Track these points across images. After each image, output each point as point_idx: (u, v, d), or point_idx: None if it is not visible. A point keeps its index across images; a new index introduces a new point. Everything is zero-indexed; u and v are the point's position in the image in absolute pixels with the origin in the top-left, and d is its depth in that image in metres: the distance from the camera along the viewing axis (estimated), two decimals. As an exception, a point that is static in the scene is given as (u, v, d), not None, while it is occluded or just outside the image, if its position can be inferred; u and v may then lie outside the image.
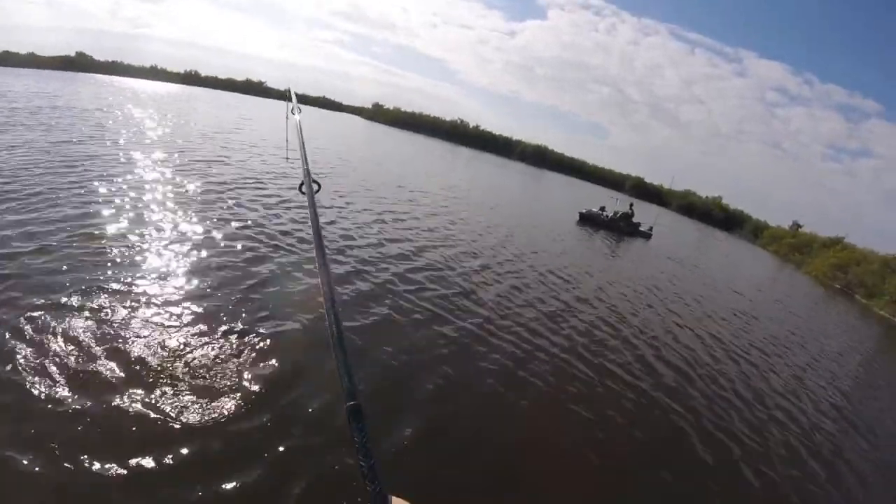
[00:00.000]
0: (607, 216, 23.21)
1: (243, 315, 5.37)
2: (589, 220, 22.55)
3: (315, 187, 1.53)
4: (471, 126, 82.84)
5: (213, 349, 4.60)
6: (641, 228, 24.36)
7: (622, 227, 23.07)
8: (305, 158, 1.81)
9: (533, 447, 4.66)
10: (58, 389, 3.64)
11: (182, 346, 4.51)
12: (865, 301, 28.49)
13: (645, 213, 27.66)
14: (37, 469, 3.03)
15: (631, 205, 25.11)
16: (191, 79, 71.32)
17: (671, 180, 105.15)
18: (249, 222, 8.91)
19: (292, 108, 2.52)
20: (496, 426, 4.86)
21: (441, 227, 13.08)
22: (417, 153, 39.41)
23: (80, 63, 58.39)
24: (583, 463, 4.67)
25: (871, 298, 28.32)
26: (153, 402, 3.76)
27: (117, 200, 8.32)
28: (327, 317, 0.99)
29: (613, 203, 25.35)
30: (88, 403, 3.59)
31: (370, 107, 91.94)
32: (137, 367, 4.09)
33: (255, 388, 4.21)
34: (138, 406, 3.68)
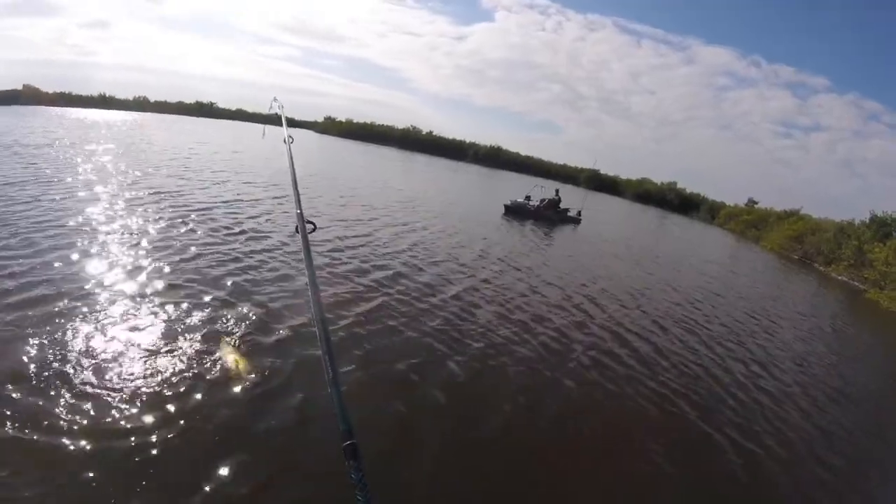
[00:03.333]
0: (533, 205, 21.66)
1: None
2: (515, 211, 20.81)
3: (310, 227, 1.57)
4: (423, 132, 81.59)
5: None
6: (570, 214, 23.08)
7: (549, 216, 21.58)
8: (299, 200, 1.79)
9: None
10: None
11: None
12: (824, 269, 27.93)
13: (572, 198, 26.69)
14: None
15: (557, 191, 23.63)
16: (141, 105, 68.71)
17: (594, 162, 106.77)
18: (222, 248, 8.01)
19: (284, 138, 2.53)
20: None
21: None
22: (371, 163, 37.44)
23: (27, 96, 54.97)
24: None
25: (829, 265, 27.72)
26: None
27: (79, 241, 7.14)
28: (322, 356, 1.00)
29: (539, 191, 23.72)
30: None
31: (322, 120, 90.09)
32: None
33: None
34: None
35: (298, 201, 1.75)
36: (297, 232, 1.52)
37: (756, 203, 51.48)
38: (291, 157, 2.18)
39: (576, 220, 23.05)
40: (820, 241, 30.09)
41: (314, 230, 1.55)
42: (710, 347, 8.24)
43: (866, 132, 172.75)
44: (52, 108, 48.23)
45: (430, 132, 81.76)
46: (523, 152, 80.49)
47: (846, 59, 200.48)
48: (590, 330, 7.77)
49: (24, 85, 58.43)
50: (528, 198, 22.20)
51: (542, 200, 22.30)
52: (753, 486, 4.58)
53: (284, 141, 2.49)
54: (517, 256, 12.26)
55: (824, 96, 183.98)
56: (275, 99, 3.32)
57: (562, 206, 22.72)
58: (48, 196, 9.45)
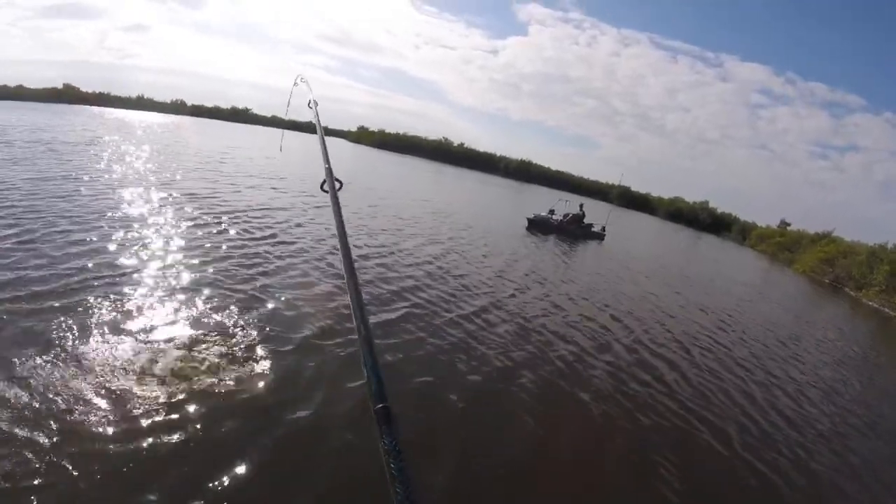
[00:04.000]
0: (557, 220, 21.63)
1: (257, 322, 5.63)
2: (538, 225, 20.78)
3: (337, 185, 1.53)
4: (455, 144, 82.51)
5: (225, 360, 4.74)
6: (594, 230, 22.99)
7: (573, 230, 21.58)
8: (327, 155, 1.80)
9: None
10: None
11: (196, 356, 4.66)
12: (855, 294, 27.24)
13: (596, 213, 26.41)
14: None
15: (581, 205, 23.63)
16: (177, 108, 71.73)
17: (620, 177, 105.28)
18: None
19: (309, 101, 2.57)
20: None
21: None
22: (403, 174, 38.35)
23: (67, 94, 58.79)
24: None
25: (860, 290, 27.09)
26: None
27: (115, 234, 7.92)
28: (353, 315, 0.98)
29: (563, 205, 23.74)
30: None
31: (355, 129, 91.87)
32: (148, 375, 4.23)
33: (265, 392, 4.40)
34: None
35: (326, 157, 1.76)
36: (324, 189, 1.53)
37: (789, 225, 50.61)
38: (318, 117, 2.26)
39: (600, 236, 22.93)
40: (851, 265, 29.49)
41: (341, 187, 1.53)
42: (732, 371, 8.26)
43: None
44: (91, 107, 50.94)
45: (462, 144, 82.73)
46: (558, 167, 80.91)
47: (881, 78, 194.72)
48: (611, 349, 7.86)
49: (64, 84, 62.16)
50: (551, 212, 22.25)
51: (566, 215, 22.28)
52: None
53: (309, 105, 2.56)
54: (539, 271, 12.68)
55: (860, 116, 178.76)
56: (301, 77, 3.23)
57: (586, 221, 22.72)
58: (83, 192, 10.47)
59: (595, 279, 13.69)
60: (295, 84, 3.25)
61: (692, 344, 9.34)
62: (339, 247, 1.23)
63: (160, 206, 10.49)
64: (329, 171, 1.58)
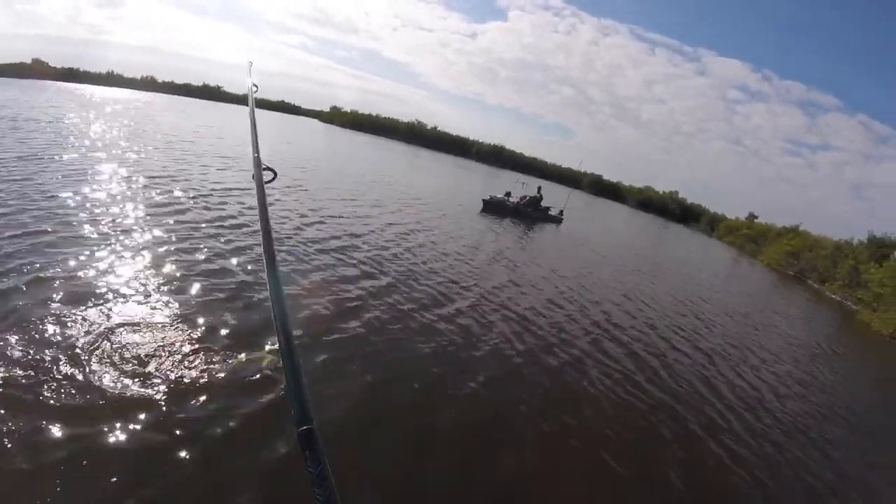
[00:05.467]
0: (513, 202, 20.91)
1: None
2: (493, 207, 19.99)
3: (269, 176, 1.41)
4: (428, 127, 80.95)
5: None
6: (551, 213, 22.33)
7: (530, 213, 20.89)
8: (256, 144, 1.65)
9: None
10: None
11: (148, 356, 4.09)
12: (817, 286, 27.45)
13: (556, 196, 25.78)
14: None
15: (539, 188, 22.89)
16: (147, 85, 68.35)
17: (579, 162, 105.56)
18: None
19: (249, 87, 2.33)
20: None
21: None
22: (372, 157, 36.51)
23: (35, 70, 55.40)
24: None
25: (822, 283, 27.26)
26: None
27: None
28: (273, 321, 0.90)
29: (520, 188, 23.02)
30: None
31: (327, 109, 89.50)
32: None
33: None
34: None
35: (256, 145, 1.59)
36: (253, 180, 1.35)
37: (756, 218, 50.91)
38: (253, 103, 2.01)
39: (557, 220, 22.42)
40: (816, 259, 29.54)
41: (274, 179, 1.37)
42: (692, 357, 8.08)
43: (876, 155, 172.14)
44: (59, 83, 48.00)
45: (435, 127, 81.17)
46: (535, 154, 79.97)
47: (857, 80, 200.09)
48: (564, 336, 7.36)
49: (33, 59, 59.25)
50: (508, 194, 21.52)
51: (523, 197, 21.68)
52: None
53: (249, 90, 2.32)
54: (487, 252, 11.80)
55: (834, 115, 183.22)
56: (251, 62, 2.98)
57: (543, 204, 22.08)
58: (42, 174, 9.18)
59: (547, 262, 12.78)
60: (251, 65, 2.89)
61: (646, 327, 9.00)
62: (262, 249, 1.07)
63: (119, 189, 9.25)
64: (257, 159, 1.45)
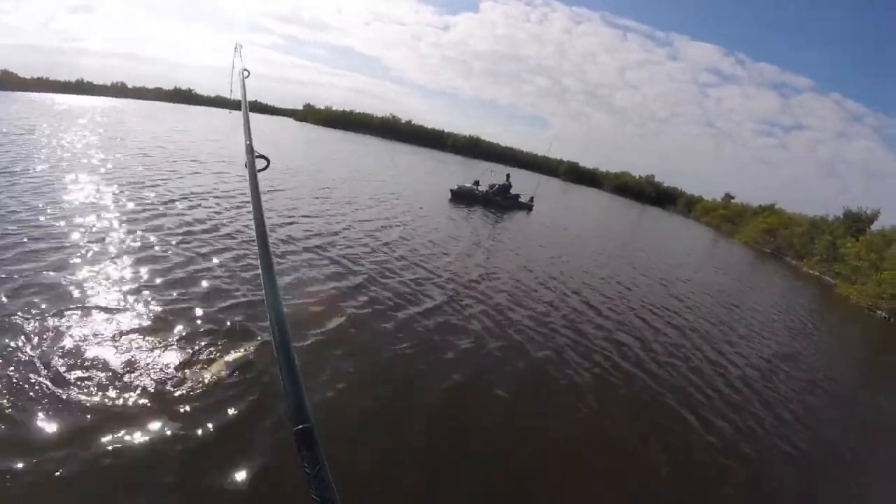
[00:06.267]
0: (482, 191, 20.51)
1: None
2: (462, 196, 19.57)
3: (263, 163, 1.38)
4: (403, 121, 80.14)
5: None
6: (521, 200, 21.99)
7: (499, 201, 20.51)
8: (249, 130, 1.61)
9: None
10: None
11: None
12: (795, 262, 27.50)
13: (526, 184, 25.57)
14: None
15: (507, 176, 22.52)
16: (119, 91, 66.90)
17: (549, 147, 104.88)
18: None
19: (242, 71, 2.31)
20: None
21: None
22: (344, 151, 35.82)
23: (5, 81, 52.99)
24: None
25: (800, 259, 27.31)
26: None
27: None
28: (268, 315, 0.87)
29: (489, 175, 22.61)
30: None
31: (301, 108, 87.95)
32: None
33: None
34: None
35: (248, 132, 1.56)
36: (246, 167, 1.32)
37: (733, 198, 51.24)
38: (244, 89, 2.10)
39: (528, 207, 22.04)
40: (792, 236, 29.62)
41: (267, 167, 1.34)
42: (677, 335, 8.04)
43: (849, 133, 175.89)
44: (29, 93, 46.14)
45: (410, 121, 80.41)
46: (511, 144, 79.73)
47: (830, 60, 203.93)
48: (543, 326, 7.00)
49: (1, 70, 57.08)
50: (476, 183, 21.10)
51: (492, 185, 21.30)
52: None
53: (241, 74, 2.29)
54: (462, 242, 11.35)
55: (808, 95, 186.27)
56: (238, 44, 2.84)
57: (513, 191, 21.71)
58: (13, 187, 8.62)
59: (524, 251, 12.33)
60: (235, 50, 2.78)
61: (626, 308, 8.84)
62: (255, 239, 1.06)
63: (97, 198, 8.82)
64: (250, 146, 1.40)
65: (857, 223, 26.18)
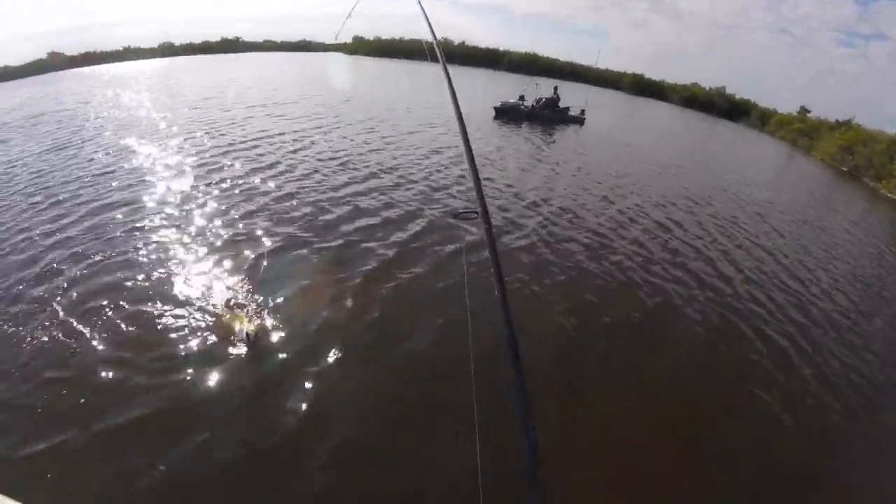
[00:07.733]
0: (528, 106, 20.22)
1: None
2: (507, 113, 19.51)
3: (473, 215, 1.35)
4: (455, 43, 77.92)
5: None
6: (571, 113, 21.44)
7: (547, 116, 20.24)
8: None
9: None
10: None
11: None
12: (874, 184, 27.10)
13: (575, 96, 24.66)
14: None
15: (555, 88, 21.97)
16: (167, 51, 66.30)
17: (597, 56, 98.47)
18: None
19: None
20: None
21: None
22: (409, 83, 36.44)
23: (54, 62, 53.88)
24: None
25: (879, 181, 26.97)
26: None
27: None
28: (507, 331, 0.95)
29: (535, 89, 21.96)
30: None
31: (350, 41, 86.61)
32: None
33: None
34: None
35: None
36: (472, 216, 1.33)
37: (809, 112, 48.84)
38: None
39: (579, 120, 21.50)
40: (872, 154, 29.08)
41: (476, 218, 1.34)
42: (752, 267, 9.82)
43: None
44: (81, 69, 47.88)
45: (463, 42, 78.11)
46: (569, 59, 76.31)
47: None
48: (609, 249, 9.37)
49: (48, 53, 56.54)
50: (521, 98, 20.81)
51: (539, 100, 20.83)
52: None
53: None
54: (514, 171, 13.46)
55: (886, 2, 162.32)
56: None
57: (561, 104, 21.19)
58: (87, 156, 11.80)
59: (584, 169, 14.44)
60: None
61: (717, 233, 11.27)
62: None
63: (174, 152, 12.20)
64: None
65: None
